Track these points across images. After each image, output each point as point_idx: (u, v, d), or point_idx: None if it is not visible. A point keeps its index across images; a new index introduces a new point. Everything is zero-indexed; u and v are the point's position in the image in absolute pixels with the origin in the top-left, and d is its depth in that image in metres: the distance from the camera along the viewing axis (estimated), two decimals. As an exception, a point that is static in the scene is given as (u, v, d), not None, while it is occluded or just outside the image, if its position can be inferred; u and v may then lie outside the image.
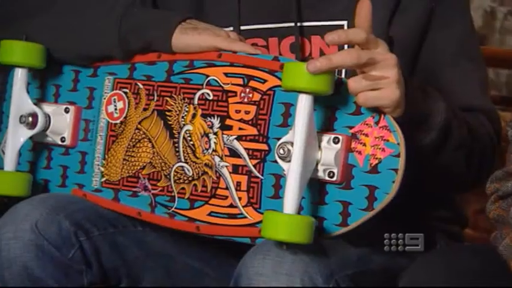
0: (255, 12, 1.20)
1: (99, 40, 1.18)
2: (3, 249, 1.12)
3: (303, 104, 1.01)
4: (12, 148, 1.20)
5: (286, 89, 1.03)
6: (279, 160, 1.04)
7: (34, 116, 1.20)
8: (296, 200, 1.00)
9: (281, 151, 1.03)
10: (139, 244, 1.20)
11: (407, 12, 1.17)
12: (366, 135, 1.03)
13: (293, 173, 1.01)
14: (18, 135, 1.20)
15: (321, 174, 1.04)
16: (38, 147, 1.25)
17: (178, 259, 1.22)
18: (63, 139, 1.22)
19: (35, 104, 1.21)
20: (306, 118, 1.01)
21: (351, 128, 1.04)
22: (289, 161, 1.01)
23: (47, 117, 1.21)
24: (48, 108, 1.23)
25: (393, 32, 1.16)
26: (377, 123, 1.03)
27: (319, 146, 1.04)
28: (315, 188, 1.05)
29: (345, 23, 1.16)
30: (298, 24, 1.17)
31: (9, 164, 1.20)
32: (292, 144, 1.02)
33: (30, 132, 1.20)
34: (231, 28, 1.20)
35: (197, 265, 1.23)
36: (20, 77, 1.20)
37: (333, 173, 1.03)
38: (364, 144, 1.03)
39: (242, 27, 1.20)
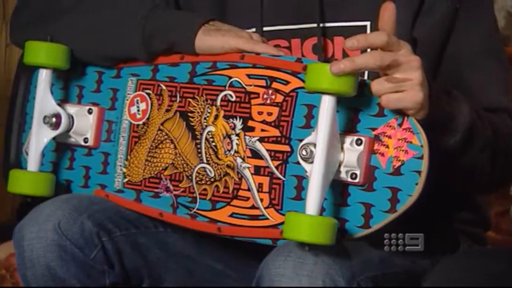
0: (277, 14, 1.20)
1: (123, 41, 1.18)
2: (26, 249, 1.12)
3: (326, 106, 1.00)
4: (36, 148, 1.20)
5: (309, 91, 1.03)
6: (301, 161, 1.03)
7: (58, 116, 1.20)
8: (318, 201, 1.00)
9: (304, 152, 1.03)
10: (160, 245, 1.20)
11: (431, 13, 1.16)
12: (389, 137, 1.02)
13: (316, 174, 1.00)
14: (41, 136, 1.20)
15: (343, 175, 1.03)
16: (61, 148, 1.25)
17: (200, 260, 1.22)
18: (86, 140, 1.22)
19: (59, 104, 1.21)
20: (329, 119, 1.00)
21: (373, 129, 1.03)
22: (312, 162, 1.01)
23: (71, 118, 1.21)
24: (72, 109, 1.23)
25: (417, 33, 1.16)
26: (400, 125, 1.02)
27: (342, 148, 1.03)
28: (337, 190, 1.04)
29: (367, 23, 1.16)
30: (321, 25, 1.17)
31: (33, 164, 1.20)
32: (315, 145, 1.01)
33: (54, 133, 1.20)
34: (254, 29, 1.20)
35: (218, 266, 1.23)
36: (44, 77, 1.20)
37: (356, 175, 1.03)
38: (387, 146, 1.02)
39: (265, 29, 1.19)
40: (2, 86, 2.03)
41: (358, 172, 1.03)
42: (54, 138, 1.22)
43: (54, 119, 1.20)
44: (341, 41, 1.17)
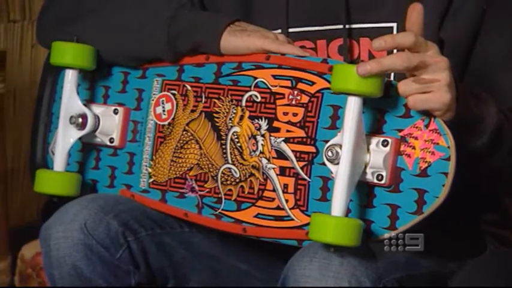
0: (303, 15, 1.19)
1: (149, 42, 1.18)
2: (53, 248, 1.12)
3: (352, 107, 0.99)
4: (62, 149, 1.20)
5: (335, 92, 1.02)
6: (327, 162, 1.02)
7: (84, 117, 1.20)
8: (344, 202, 0.99)
9: (329, 153, 1.02)
10: (186, 245, 1.19)
11: (458, 15, 1.14)
12: (416, 138, 1.01)
13: (341, 176, 0.99)
14: (68, 136, 1.20)
15: (369, 177, 1.02)
16: (87, 148, 1.24)
17: (225, 260, 1.22)
18: (111, 140, 1.22)
19: (85, 105, 1.21)
20: (354, 121, 0.99)
21: (400, 131, 1.02)
22: (338, 164, 1.00)
23: (97, 118, 1.21)
24: (98, 109, 1.23)
25: (444, 35, 1.14)
26: (427, 126, 1.01)
27: (368, 149, 1.02)
28: (363, 191, 1.03)
29: (394, 25, 1.14)
30: (347, 26, 1.16)
31: (59, 164, 1.20)
32: (340, 146, 1.00)
33: (80, 133, 1.20)
34: (279, 30, 1.19)
35: (243, 266, 1.22)
36: (70, 78, 1.20)
37: (382, 176, 1.01)
38: (414, 148, 1.01)
39: (290, 30, 1.19)
40: (28, 87, 2.04)
41: (384, 173, 1.01)
42: (80, 139, 1.22)
43: (80, 119, 1.20)
44: (367, 42, 1.16)
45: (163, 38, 1.16)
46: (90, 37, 1.20)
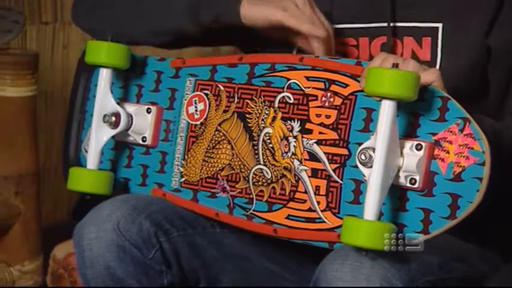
0: (346, 12, 1.18)
1: (170, 13, 1.17)
2: (86, 249, 1.12)
3: (386, 110, 0.98)
4: (95, 147, 1.19)
5: (369, 94, 1.01)
6: (360, 166, 1.01)
7: (117, 115, 1.20)
8: (377, 206, 0.97)
9: (362, 157, 1.00)
10: (217, 245, 1.19)
11: (507, 26, 1.12)
12: (450, 142, 0.99)
13: (374, 179, 0.98)
14: (101, 134, 1.20)
15: (402, 180, 1.00)
16: (120, 147, 1.24)
17: (256, 261, 1.21)
18: (144, 139, 1.22)
19: (118, 103, 1.21)
20: (388, 124, 0.98)
21: (434, 134, 1.01)
22: (371, 167, 0.98)
23: (130, 117, 1.21)
24: (131, 108, 1.22)
25: (492, 42, 1.13)
26: (461, 130, 0.99)
27: (401, 153, 1.00)
28: (396, 195, 1.01)
29: (439, 25, 1.13)
30: (392, 24, 1.14)
31: (92, 162, 1.19)
32: (373, 150, 0.99)
33: (113, 132, 1.20)
34: None
35: (274, 268, 1.22)
36: (104, 77, 1.20)
37: (415, 180, 1.00)
38: (448, 152, 0.99)
39: (334, 26, 1.17)
40: (59, 88, 2.05)
41: (417, 177, 1.00)
42: (113, 137, 1.21)
43: (113, 118, 1.20)
44: (411, 41, 1.14)
45: (185, 9, 1.15)
46: (118, 17, 1.20)
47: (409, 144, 1.01)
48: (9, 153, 1.68)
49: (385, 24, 1.15)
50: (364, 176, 1.02)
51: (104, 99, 1.20)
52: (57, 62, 2.06)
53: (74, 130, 1.28)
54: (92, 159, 1.20)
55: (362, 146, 1.01)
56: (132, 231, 1.12)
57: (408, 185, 1.01)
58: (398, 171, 1.01)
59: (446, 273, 1.07)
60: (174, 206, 1.18)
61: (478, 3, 1.11)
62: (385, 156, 0.98)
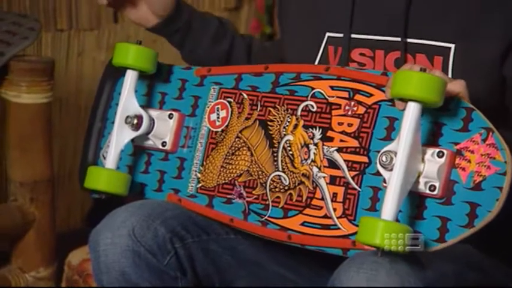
0: (366, 22, 1.18)
1: None
2: (102, 254, 1.12)
3: (411, 113, 0.98)
4: (116, 147, 1.20)
5: (395, 97, 1.01)
6: (380, 168, 1.01)
7: (139, 118, 1.20)
8: (395, 208, 0.97)
9: (384, 159, 1.00)
10: (231, 251, 1.18)
11: None
12: (472, 152, 0.99)
13: (394, 181, 0.97)
14: (122, 136, 1.20)
15: (421, 187, 1.00)
16: (138, 152, 1.24)
17: (270, 268, 1.20)
18: (164, 144, 1.22)
19: (142, 106, 1.21)
20: (412, 127, 0.98)
21: (456, 144, 1.01)
22: (391, 170, 0.99)
23: (152, 121, 1.21)
24: (153, 112, 1.23)
25: (506, 72, 1.13)
26: (484, 140, 0.99)
27: (423, 159, 1.00)
28: (414, 202, 1.01)
29: (452, 46, 1.13)
30: (405, 40, 1.15)
31: (111, 162, 1.19)
32: (395, 153, 0.99)
33: (134, 134, 1.20)
34: (341, 35, 1.19)
35: (288, 274, 1.21)
36: (130, 79, 1.21)
37: (434, 187, 1.00)
38: (469, 161, 0.99)
39: (352, 35, 1.18)
40: (73, 95, 2.05)
41: (437, 184, 1.00)
42: (132, 141, 1.22)
43: (135, 120, 1.20)
44: (423, 58, 1.15)
45: None
46: None
47: (430, 151, 1.01)
48: (25, 159, 1.68)
49: (399, 39, 1.15)
50: (383, 181, 1.02)
51: (127, 100, 1.21)
52: (72, 69, 2.06)
53: (93, 137, 1.28)
54: (111, 159, 1.20)
55: (384, 149, 1.01)
56: (147, 237, 1.12)
57: (427, 191, 1.01)
58: (419, 176, 1.01)
59: (461, 281, 1.07)
60: (188, 212, 1.18)
61: (494, 29, 1.11)
62: (406, 158, 0.98)
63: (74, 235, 1.77)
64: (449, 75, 1.13)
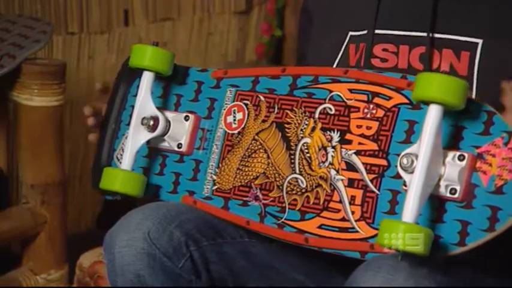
0: (390, 18, 1.17)
1: None
2: (117, 256, 1.11)
3: (433, 115, 0.97)
4: (131, 148, 1.19)
5: (417, 99, 1.00)
6: (401, 171, 1.00)
7: (156, 119, 1.19)
8: (416, 210, 0.96)
9: (404, 161, 0.99)
10: (245, 255, 1.17)
11: None
12: (493, 155, 0.98)
13: (415, 184, 0.96)
14: (138, 137, 1.19)
15: (442, 190, 0.99)
16: (153, 154, 1.23)
17: (283, 271, 1.19)
18: (179, 145, 1.21)
19: (158, 108, 1.20)
20: (433, 129, 0.97)
21: (477, 147, 1.00)
22: (412, 173, 0.98)
23: (168, 123, 1.20)
24: (169, 114, 1.21)
25: None
26: (506, 144, 0.98)
27: (443, 162, 0.99)
28: (435, 205, 1.00)
29: (480, 41, 1.12)
30: (431, 35, 1.14)
31: (127, 163, 1.18)
32: (416, 156, 0.98)
33: (150, 135, 1.19)
34: (365, 31, 1.18)
35: (301, 278, 1.20)
36: (147, 80, 1.20)
37: (455, 190, 0.99)
38: (490, 165, 0.98)
39: (376, 31, 1.17)
40: (84, 98, 2.04)
41: (458, 188, 0.99)
42: (147, 143, 1.21)
43: (152, 122, 1.19)
44: (449, 53, 1.14)
45: None
46: None
47: (451, 154, 1.00)
48: (36, 162, 1.68)
49: (425, 34, 1.14)
50: (403, 184, 1.01)
51: (144, 102, 1.20)
52: (83, 72, 2.06)
53: (107, 138, 1.26)
54: (127, 160, 1.19)
55: (405, 152, 1.00)
56: (162, 240, 1.11)
57: (448, 195, 1.00)
58: (439, 180, 1.00)
59: (478, 286, 1.06)
60: (203, 215, 1.17)
61: None
62: (428, 161, 0.97)
63: (85, 237, 1.77)
64: (476, 71, 1.12)
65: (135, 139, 1.19)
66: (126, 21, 2.10)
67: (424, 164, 0.97)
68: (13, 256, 1.72)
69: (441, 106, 0.98)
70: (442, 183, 1.00)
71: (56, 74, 1.68)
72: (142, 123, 1.20)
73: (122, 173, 1.19)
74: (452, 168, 0.99)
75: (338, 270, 1.15)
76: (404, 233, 0.95)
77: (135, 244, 1.11)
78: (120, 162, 1.21)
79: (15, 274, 1.68)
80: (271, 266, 1.19)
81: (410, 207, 0.96)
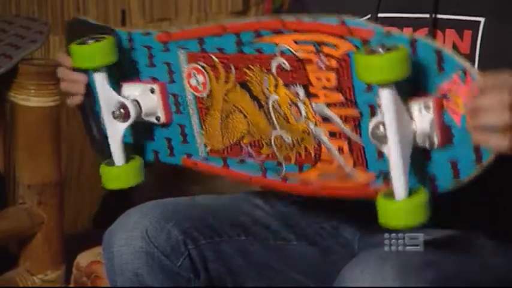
0: (393, 1, 1.15)
1: None
2: (116, 255, 1.12)
3: (385, 95, 0.95)
4: (115, 143, 1.18)
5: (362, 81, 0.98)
6: (376, 142, 0.99)
7: (125, 107, 1.17)
8: (404, 181, 0.96)
9: (376, 133, 0.98)
10: (242, 253, 1.18)
11: None
12: (457, 94, 0.96)
13: (394, 157, 0.96)
14: (116, 132, 1.18)
15: (421, 144, 0.98)
16: (140, 127, 1.21)
17: (281, 270, 1.19)
18: (158, 118, 1.19)
19: (123, 96, 1.18)
20: (391, 106, 0.95)
21: (438, 87, 0.97)
22: (386, 143, 0.97)
23: (137, 104, 1.18)
24: (134, 90, 1.19)
25: None
26: (464, 81, 0.96)
27: (412, 117, 0.98)
28: (419, 160, 0.99)
29: (482, 19, 1.10)
30: (433, 16, 1.12)
31: (118, 158, 1.18)
32: (384, 124, 0.97)
33: (126, 123, 1.17)
34: (369, 15, 1.15)
35: (297, 276, 1.20)
36: (99, 78, 1.17)
37: (433, 140, 0.98)
38: (457, 105, 0.96)
39: (379, 15, 1.15)
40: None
41: (434, 136, 0.98)
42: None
43: (122, 111, 1.17)
44: (452, 33, 1.12)
45: None
46: None
47: (416, 107, 0.98)
48: (33, 162, 1.68)
49: (428, 16, 1.12)
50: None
51: (106, 97, 1.18)
52: (78, 72, 2.05)
53: (94, 128, 1.23)
54: (118, 156, 1.18)
55: (372, 124, 0.99)
56: (160, 238, 1.12)
57: (427, 146, 0.99)
58: (414, 136, 0.98)
59: (468, 282, 1.05)
60: (200, 213, 1.17)
61: None
62: (396, 131, 0.96)
63: (82, 237, 1.76)
64: (478, 49, 1.11)
65: (114, 135, 1.18)
66: (123, 21, 2.07)
67: (395, 135, 0.96)
68: (10, 256, 1.72)
69: (390, 85, 0.95)
70: (418, 138, 0.99)
71: (52, 75, 1.64)
72: (114, 117, 1.18)
73: (118, 170, 1.18)
74: (422, 120, 0.98)
75: (334, 267, 1.13)
76: (401, 212, 0.96)
77: (133, 243, 1.12)
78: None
79: (12, 274, 1.70)
80: (269, 265, 1.19)
81: (399, 182, 0.96)
